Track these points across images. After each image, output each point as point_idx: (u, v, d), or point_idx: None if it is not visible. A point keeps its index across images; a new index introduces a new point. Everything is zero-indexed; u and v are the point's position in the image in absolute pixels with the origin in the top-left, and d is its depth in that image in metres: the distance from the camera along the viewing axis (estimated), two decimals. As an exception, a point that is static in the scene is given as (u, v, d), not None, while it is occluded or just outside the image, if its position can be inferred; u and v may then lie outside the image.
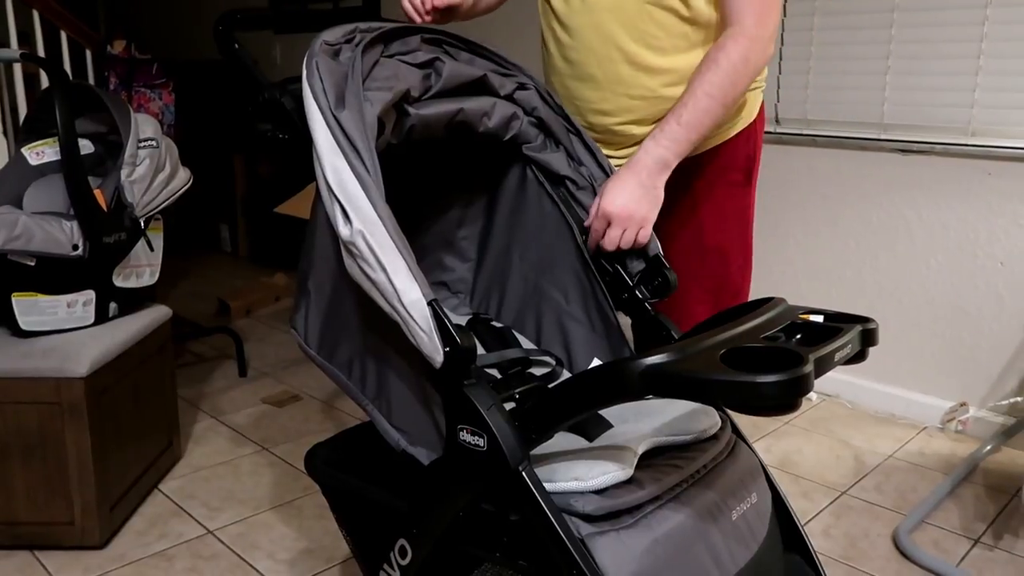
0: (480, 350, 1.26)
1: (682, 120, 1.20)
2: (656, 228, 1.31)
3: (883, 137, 2.48)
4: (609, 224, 1.18)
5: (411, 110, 1.07)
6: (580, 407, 0.87)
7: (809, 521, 1.97)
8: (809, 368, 0.73)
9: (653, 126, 1.28)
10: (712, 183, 1.42)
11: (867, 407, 2.63)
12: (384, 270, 0.87)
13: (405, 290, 0.87)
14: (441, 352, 0.88)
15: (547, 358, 1.26)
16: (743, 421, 2.48)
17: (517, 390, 1.14)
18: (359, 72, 0.98)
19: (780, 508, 1.11)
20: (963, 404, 2.44)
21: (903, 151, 2.46)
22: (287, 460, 2.22)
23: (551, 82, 1.42)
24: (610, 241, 1.18)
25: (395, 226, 0.89)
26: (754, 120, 1.44)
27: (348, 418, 2.50)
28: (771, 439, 2.40)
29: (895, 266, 2.54)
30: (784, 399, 0.72)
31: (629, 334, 1.24)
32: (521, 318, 1.32)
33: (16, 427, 1.70)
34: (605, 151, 1.32)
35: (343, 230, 0.89)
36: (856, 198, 2.55)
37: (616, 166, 1.30)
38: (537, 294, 1.29)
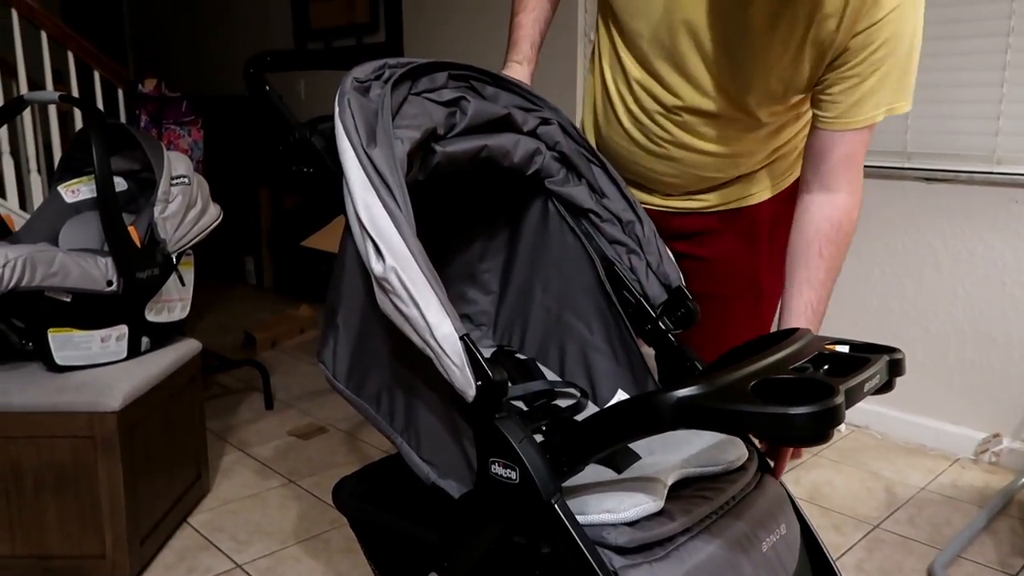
0: None
1: (818, 316, 1.22)
2: (716, 274, 1.33)
3: (907, 166, 2.48)
4: None
5: (437, 147, 1.09)
6: (612, 439, 0.88)
7: (842, 555, 1.94)
8: (840, 399, 0.73)
9: (707, 193, 1.32)
10: (776, 228, 1.39)
11: (897, 438, 2.59)
12: (417, 305, 0.88)
13: (437, 324, 0.88)
14: (473, 386, 0.88)
15: (572, 390, 1.26)
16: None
17: (543, 423, 1.14)
18: (388, 109, 0.99)
19: (809, 539, 1.10)
20: (996, 435, 2.40)
21: (927, 179, 2.45)
22: (314, 493, 2.23)
23: (606, 142, 1.38)
24: None
25: (427, 262, 0.90)
26: None
27: (373, 450, 2.50)
28: (800, 471, 2.37)
29: (922, 295, 2.52)
30: (816, 430, 0.72)
31: (653, 365, 1.24)
32: (544, 350, 1.32)
33: (50, 461, 1.72)
34: (640, 196, 1.34)
35: (376, 266, 0.90)
36: (881, 227, 2.55)
37: (658, 207, 1.33)
38: (560, 326, 1.30)
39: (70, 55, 3.14)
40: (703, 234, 1.37)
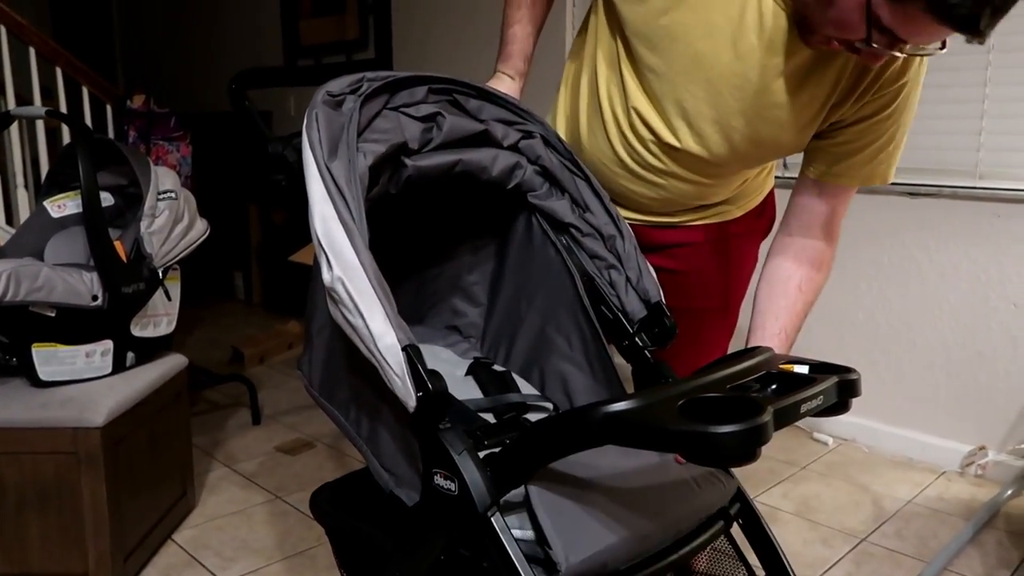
0: (478, 394, 1.26)
1: (789, 343, 1.24)
2: (690, 287, 1.33)
3: (891, 180, 2.50)
4: None
5: (408, 162, 1.09)
6: (546, 453, 0.87)
7: (830, 569, 1.94)
8: (766, 418, 0.72)
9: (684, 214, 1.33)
10: (744, 241, 1.42)
11: (884, 451, 2.60)
12: (362, 315, 0.89)
13: (381, 335, 0.89)
14: (414, 396, 0.89)
15: (546, 403, 1.26)
16: (760, 467, 2.45)
17: (508, 436, 1.14)
18: (355, 123, 1.00)
19: (772, 557, 1.08)
20: (982, 448, 2.41)
21: (911, 194, 2.47)
22: (300, 509, 2.21)
23: (587, 154, 1.33)
24: None
25: (376, 273, 0.91)
26: None
27: (360, 465, 2.48)
28: (788, 484, 2.38)
29: (908, 309, 2.53)
30: (740, 450, 0.71)
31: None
32: (528, 363, 1.33)
33: (33, 477, 1.71)
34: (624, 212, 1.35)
35: (325, 275, 0.92)
36: (866, 241, 2.57)
37: (634, 220, 1.32)
38: (542, 340, 1.30)
39: (58, 71, 3.14)
40: (680, 246, 1.37)
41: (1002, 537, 2.06)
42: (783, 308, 1.23)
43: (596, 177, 1.30)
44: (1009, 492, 2.24)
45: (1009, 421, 2.38)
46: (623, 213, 1.36)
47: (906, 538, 2.07)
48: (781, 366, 0.88)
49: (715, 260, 1.38)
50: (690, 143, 1.20)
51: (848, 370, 0.88)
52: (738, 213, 1.38)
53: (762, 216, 1.43)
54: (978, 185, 2.35)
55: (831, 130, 1.17)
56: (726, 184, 1.31)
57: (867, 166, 1.19)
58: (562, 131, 1.35)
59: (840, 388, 0.86)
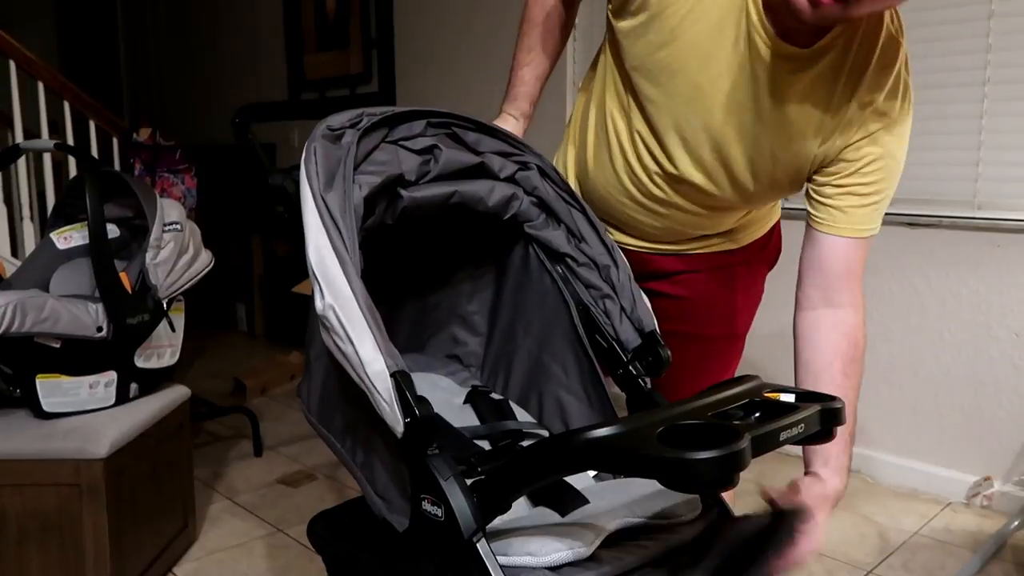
0: (475, 422, 1.27)
1: (848, 449, 1.18)
2: (695, 313, 1.33)
3: (890, 211, 2.50)
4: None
5: (404, 193, 1.11)
6: (528, 478, 0.88)
7: (835, 601, 1.92)
8: (743, 445, 0.72)
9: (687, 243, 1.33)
10: (747, 270, 1.42)
11: (888, 482, 2.59)
12: (352, 342, 0.91)
13: (370, 361, 0.90)
14: (402, 422, 0.90)
15: (542, 431, 1.27)
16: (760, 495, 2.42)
17: (501, 462, 1.14)
18: (352, 156, 1.02)
19: None
20: (987, 478, 2.40)
21: (911, 224, 2.49)
22: (301, 542, 2.20)
23: (591, 181, 1.36)
24: None
25: (367, 301, 0.93)
26: None
27: (359, 495, 2.48)
28: (792, 516, 2.36)
29: (909, 339, 2.54)
30: (716, 475, 0.71)
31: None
32: (526, 392, 1.34)
33: (34, 509, 1.70)
34: (618, 236, 1.36)
35: (318, 303, 0.94)
36: (867, 271, 2.56)
37: (635, 247, 1.34)
38: (539, 369, 1.31)
39: (66, 105, 3.18)
40: (681, 273, 1.38)
41: (1010, 569, 2.04)
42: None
43: (603, 206, 1.32)
44: (1016, 523, 2.22)
45: (1014, 451, 2.37)
46: (627, 240, 1.38)
47: (913, 570, 2.05)
48: (766, 394, 0.89)
49: (719, 287, 1.39)
50: (691, 172, 1.22)
51: (832, 398, 0.88)
52: (740, 244, 1.39)
53: (766, 248, 1.44)
54: (977, 215, 2.36)
55: (824, 171, 1.18)
56: (728, 217, 1.32)
57: (871, 209, 1.19)
58: (571, 161, 1.39)
59: (823, 416, 0.86)
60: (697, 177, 1.22)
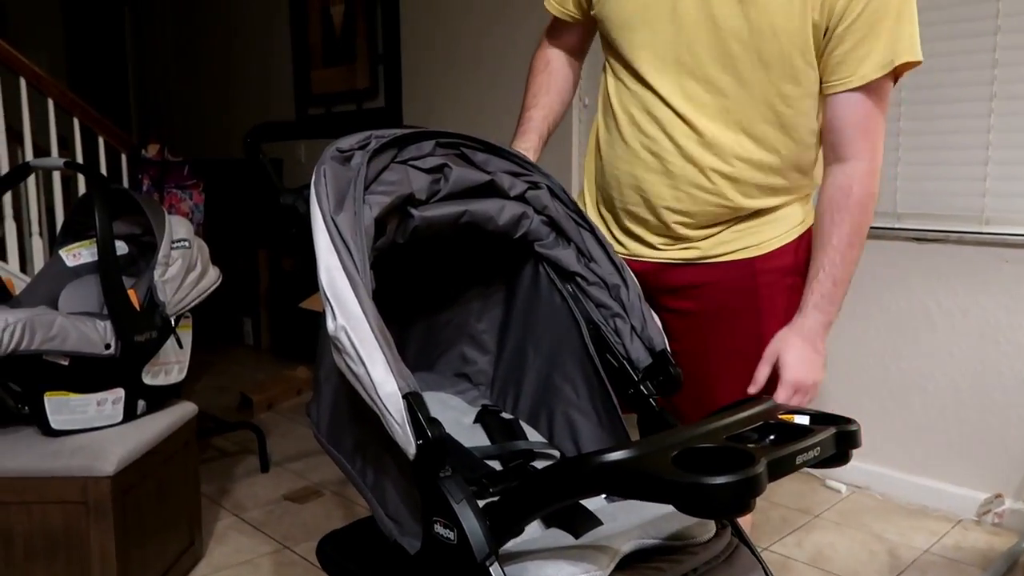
0: (485, 442, 1.26)
1: (836, 279, 1.25)
2: (713, 328, 1.34)
3: (897, 226, 2.52)
4: (795, 392, 1.23)
5: (415, 212, 1.11)
6: (542, 502, 0.87)
7: (845, 620, 1.90)
8: (760, 469, 0.72)
9: (704, 230, 1.32)
10: (774, 288, 1.36)
11: (898, 499, 2.57)
12: (364, 364, 0.91)
13: (382, 382, 0.90)
14: (414, 444, 0.90)
15: (553, 451, 1.27)
16: (773, 515, 2.43)
17: (512, 484, 1.14)
18: (362, 177, 1.03)
19: None
20: (998, 495, 2.38)
21: (918, 240, 2.48)
22: (307, 559, 2.19)
23: (611, 165, 1.37)
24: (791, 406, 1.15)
25: (379, 322, 0.93)
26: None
27: (367, 513, 2.46)
28: (802, 533, 2.34)
29: (918, 355, 2.52)
30: (733, 501, 0.71)
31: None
32: (536, 411, 1.33)
33: (41, 527, 1.70)
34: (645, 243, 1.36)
35: (330, 325, 0.94)
36: (875, 287, 2.57)
37: (652, 259, 1.35)
38: (549, 388, 1.31)
39: (75, 121, 3.21)
40: (698, 287, 1.35)
41: (1021, 588, 2.02)
42: (819, 247, 1.28)
43: (619, 190, 1.33)
44: (1027, 541, 2.20)
45: (1024, 468, 2.35)
46: (640, 252, 1.38)
47: (923, 589, 2.04)
48: (781, 416, 0.88)
49: (741, 298, 1.35)
50: (699, 92, 1.25)
51: (848, 421, 0.88)
52: (763, 250, 1.34)
53: (793, 272, 1.36)
54: (984, 230, 2.36)
55: (830, 33, 1.19)
56: (752, 172, 1.29)
57: (869, 54, 1.19)
58: (593, 175, 1.43)
59: (839, 439, 0.85)
60: (705, 95, 1.25)
